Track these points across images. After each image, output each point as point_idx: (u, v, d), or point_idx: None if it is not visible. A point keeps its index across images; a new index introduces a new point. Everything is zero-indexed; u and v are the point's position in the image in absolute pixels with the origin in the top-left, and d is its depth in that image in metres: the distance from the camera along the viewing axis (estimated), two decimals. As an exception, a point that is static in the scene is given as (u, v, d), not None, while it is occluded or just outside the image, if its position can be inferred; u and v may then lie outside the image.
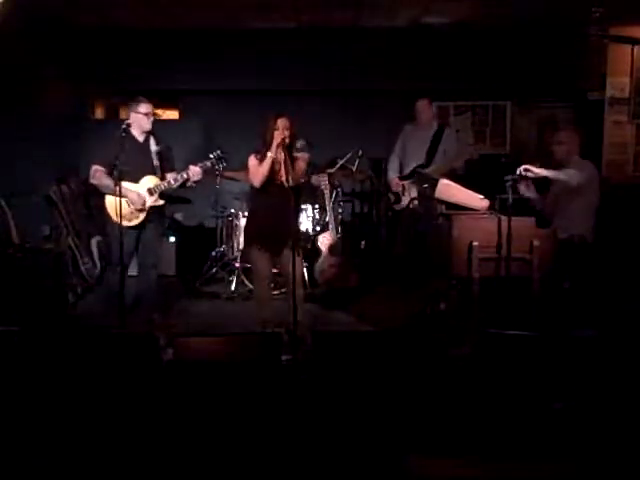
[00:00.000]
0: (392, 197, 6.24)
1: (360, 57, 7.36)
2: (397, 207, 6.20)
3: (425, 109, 6.17)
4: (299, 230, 5.06)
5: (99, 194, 5.15)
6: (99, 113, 8.35)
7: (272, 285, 5.13)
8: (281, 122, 4.45)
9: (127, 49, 7.34)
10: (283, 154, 4.43)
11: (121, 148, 4.44)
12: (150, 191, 4.94)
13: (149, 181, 4.96)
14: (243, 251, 6.19)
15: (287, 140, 4.44)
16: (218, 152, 5.04)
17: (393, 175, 6.23)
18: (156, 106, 8.88)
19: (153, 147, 5.04)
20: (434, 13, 6.57)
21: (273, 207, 4.56)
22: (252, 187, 4.69)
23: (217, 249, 6.71)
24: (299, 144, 5.63)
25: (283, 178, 4.48)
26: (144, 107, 4.95)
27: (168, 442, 3.42)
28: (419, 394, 3.97)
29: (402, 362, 4.53)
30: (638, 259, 5.47)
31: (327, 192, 6.02)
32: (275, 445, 3.39)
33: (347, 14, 6.61)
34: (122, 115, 8.71)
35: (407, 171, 6.13)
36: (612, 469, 3.15)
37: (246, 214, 6.45)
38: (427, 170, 5.85)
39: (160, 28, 7.07)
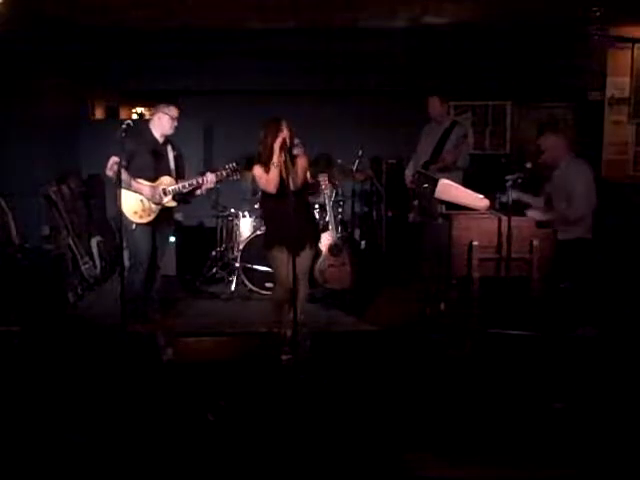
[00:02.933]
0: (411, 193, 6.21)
1: (360, 57, 7.36)
2: (415, 203, 6.16)
3: (433, 106, 6.13)
4: (316, 227, 5.02)
5: (100, 194, 5.18)
6: (99, 113, 8.35)
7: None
8: (280, 125, 4.48)
9: (127, 49, 7.33)
10: (283, 157, 4.44)
11: (122, 148, 4.45)
12: (165, 191, 5.02)
13: (165, 181, 5.04)
14: (243, 252, 6.19)
15: (288, 142, 4.45)
16: (234, 164, 5.15)
17: (408, 172, 6.22)
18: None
19: (171, 151, 5.15)
20: (434, 13, 6.56)
21: (286, 209, 4.55)
22: (263, 193, 4.70)
23: (217, 249, 6.71)
24: (296, 141, 5.65)
25: (286, 181, 4.50)
26: (174, 110, 5.07)
27: (168, 441, 3.43)
28: (419, 394, 3.97)
29: (402, 362, 4.54)
30: (638, 259, 5.46)
31: (327, 192, 6.01)
32: (274, 444, 3.40)
33: (347, 14, 6.60)
34: (122, 115, 8.72)
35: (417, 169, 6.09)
36: (612, 469, 3.15)
37: (246, 214, 6.50)
38: (431, 167, 5.83)
39: (160, 28, 7.05)
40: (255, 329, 5.12)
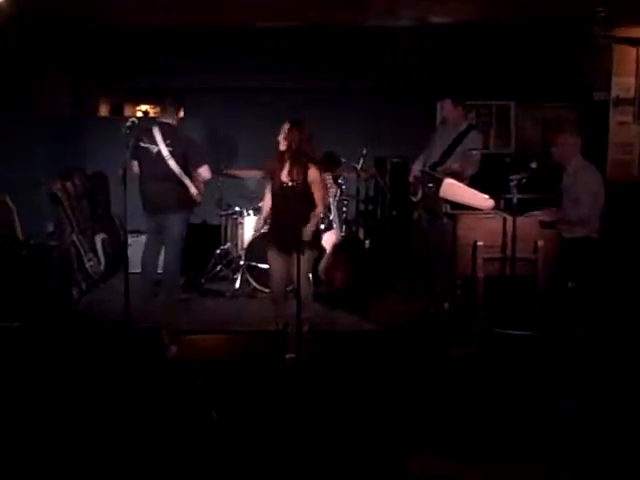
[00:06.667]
0: (411, 188, 6.17)
1: (363, 57, 7.35)
2: (414, 199, 6.12)
3: (447, 110, 6.05)
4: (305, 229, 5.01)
5: (104, 191, 5.21)
6: (103, 110, 8.36)
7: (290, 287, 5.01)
8: (282, 129, 4.56)
9: (130, 47, 7.33)
10: (289, 157, 4.49)
11: (126, 145, 4.47)
12: None
13: None
14: (248, 250, 6.20)
15: (293, 145, 4.49)
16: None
17: (415, 167, 6.16)
18: (158, 104, 8.93)
19: None
20: (438, 13, 6.56)
21: (283, 208, 4.58)
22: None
23: (221, 247, 6.72)
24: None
25: (288, 179, 4.53)
26: None
27: (172, 438, 3.43)
28: (423, 393, 3.97)
29: (406, 362, 4.54)
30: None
31: (331, 191, 6.01)
32: (277, 442, 3.40)
33: (350, 14, 6.60)
34: (126, 112, 8.72)
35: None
36: (614, 468, 3.15)
37: (250, 212, 6.50)
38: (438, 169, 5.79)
39: (163, 26, 7.05)
40: (259, 327, 5.13)
